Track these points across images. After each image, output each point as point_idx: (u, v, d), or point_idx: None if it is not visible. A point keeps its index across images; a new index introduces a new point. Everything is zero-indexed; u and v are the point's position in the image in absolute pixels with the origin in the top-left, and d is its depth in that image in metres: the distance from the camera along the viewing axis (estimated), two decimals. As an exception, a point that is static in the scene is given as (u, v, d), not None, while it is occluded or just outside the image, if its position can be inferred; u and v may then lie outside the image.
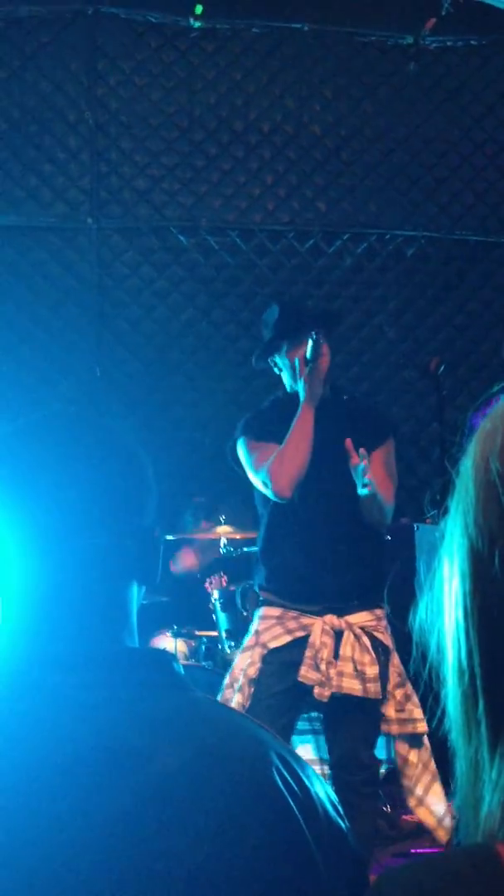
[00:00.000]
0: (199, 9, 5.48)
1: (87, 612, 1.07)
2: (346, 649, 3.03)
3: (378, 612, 3.15)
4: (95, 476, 1.09)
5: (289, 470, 3.10)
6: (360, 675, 3.02)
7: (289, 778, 1.00)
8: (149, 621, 4.16)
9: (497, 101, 6.02)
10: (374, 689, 3.02)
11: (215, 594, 4.37)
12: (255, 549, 3.50)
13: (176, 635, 4.42)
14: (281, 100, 5.76)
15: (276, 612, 3.15)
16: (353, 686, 3.01)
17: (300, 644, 3.06)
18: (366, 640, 3.07)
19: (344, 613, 3.09)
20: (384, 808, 4.12)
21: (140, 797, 0.94)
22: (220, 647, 4.31)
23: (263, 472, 3.15)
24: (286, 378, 3.31)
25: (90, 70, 5.55)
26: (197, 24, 5.59)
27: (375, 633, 3.11)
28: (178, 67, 5.66)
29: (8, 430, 1.11)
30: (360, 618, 3.11)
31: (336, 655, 3.03)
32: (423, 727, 3.13)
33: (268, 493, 3.16)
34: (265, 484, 3.15)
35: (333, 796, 1.06)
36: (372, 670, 3.03)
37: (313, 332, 3.08)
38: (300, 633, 3.08)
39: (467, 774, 0.62)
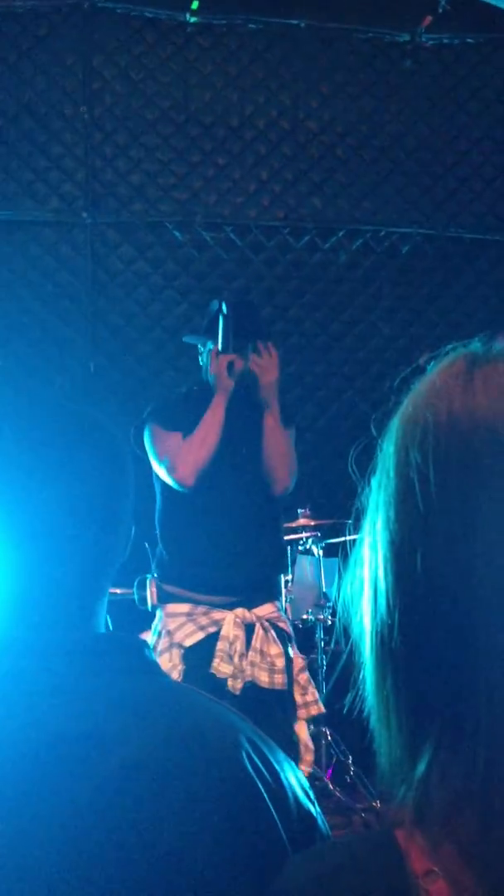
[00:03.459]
0: (195, 4, 5.48)
1: (63, 601, 1.08)
2: (256, 642, 3.08)
3: (276, 603, 3.24)
4: (79, 471, 1.09)
5: (194, 459, 3.11)
6: (269, 666, 3.07)
7: (259, 763, 1.00)
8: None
9: (493, 99, 6.02)
10: (280, 680, 3.08)
11: None
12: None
13: None
14: (277, 96, 5.75)
15: (183, 608, 3.13)
16: (262, 677, 3.06)
17: (213, 640, 3.06)
18: (273, 632, 3.13)
19: (252, 606, 3.13)
20: (373, 804, 4.12)
21: (108, 783, 0.94)
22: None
23: (167, 459, 3.15)
24: (204, 368, 3.36)
25: (86, 64, 5.54)
26: (193, 20, 5.59)
27: (279, 624, 3.18)
28: (173, 62, 5.65)
29: None
30: (266, 610, 3.16)
31: (247, 648, 3.07)
32: (321, 708, 3.23)
33: (170, 481, 3.15)
34: (168, 472, 3.15)
35: (304, 781, 1.06)
36: (280, 662, 3.09)
37: (222, 325, 3.15)
38: (212, 629, 3.08)
39: (385, 762, 0.61)
